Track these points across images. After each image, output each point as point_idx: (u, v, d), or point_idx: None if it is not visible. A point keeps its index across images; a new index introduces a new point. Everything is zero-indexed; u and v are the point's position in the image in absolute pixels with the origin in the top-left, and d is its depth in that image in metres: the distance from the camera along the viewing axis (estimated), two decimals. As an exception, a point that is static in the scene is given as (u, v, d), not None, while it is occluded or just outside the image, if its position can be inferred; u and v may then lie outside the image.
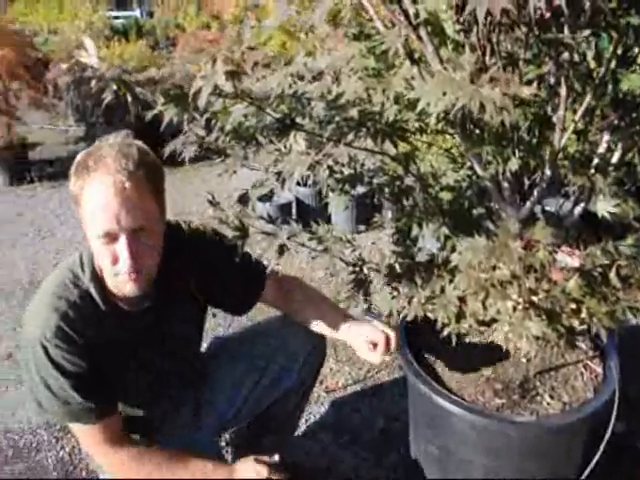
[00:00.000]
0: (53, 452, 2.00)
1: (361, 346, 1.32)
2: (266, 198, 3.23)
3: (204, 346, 1.68)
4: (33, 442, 2.06)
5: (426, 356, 1.51)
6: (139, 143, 1.16)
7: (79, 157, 1.13)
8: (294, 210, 3.37)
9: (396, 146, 0.99)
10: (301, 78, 1.16)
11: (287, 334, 1.49)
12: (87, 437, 1.26)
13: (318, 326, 1.41)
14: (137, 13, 14.30)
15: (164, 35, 9.28)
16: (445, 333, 1.28)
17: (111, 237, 1.08)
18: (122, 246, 1.08)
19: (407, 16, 0.99)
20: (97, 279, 1.20)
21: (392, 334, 1.32)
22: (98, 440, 1.24)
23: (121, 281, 1.14)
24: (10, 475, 1.93)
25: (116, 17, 12.30)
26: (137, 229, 1.09)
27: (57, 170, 5.42)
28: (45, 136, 6.27)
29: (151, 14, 13.48)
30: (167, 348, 1.35)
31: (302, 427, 1.95)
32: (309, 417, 2.02)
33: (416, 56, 1.11)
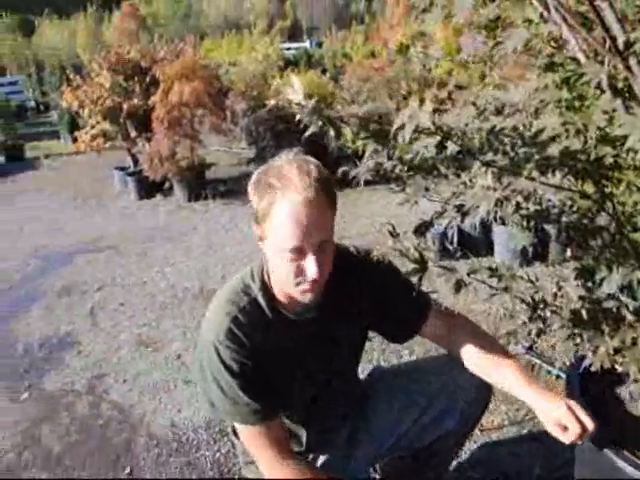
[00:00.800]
0: (210, 452, 2.14)
1: (549, 424, 1.16)
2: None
3: (364, 374, 1.68)
4: (194, 439, 2.22)
5: (600, 408, 1.36)
6: (313, 159, 1.20)
7: (259, 176, 1.17)
8: (455, 239, 3.29)
9: (597, 185, 0.91)
10: (484, 111, 1.13)
11: (450, 374, 1.44)
12: (252, 439, 1.31)
13: (487, 374, 1.32)
14: (307, 44, 15.21)
15: (332, 64, 9.70)
16: (634, 389, 1.15)
17: (299, 251, 1.13)
18: (310, 259, 1.14)
19: (615, 45, 0.92)
20: (265, 288, 1.27)
21: (590, 425, 1.12)
22: (262, 444, 1.28)
23: (301, 290, 1.19)
24: (174, 466, 2.09)
25: (288, 48, 13.19)
26: (321, 242, 1.15)
27: (229, 188, 5.91)
28: (219, 157, 6.87)
29: (320, 45, 14.24)
30: (331, 364, 1.38)
31: (453, 462, 1.87)
32: (460, 453, 1.93)
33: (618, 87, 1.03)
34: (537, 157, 0.87)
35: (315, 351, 1.34)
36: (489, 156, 0.91)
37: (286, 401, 1.36)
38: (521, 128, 0.93)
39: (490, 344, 1.34)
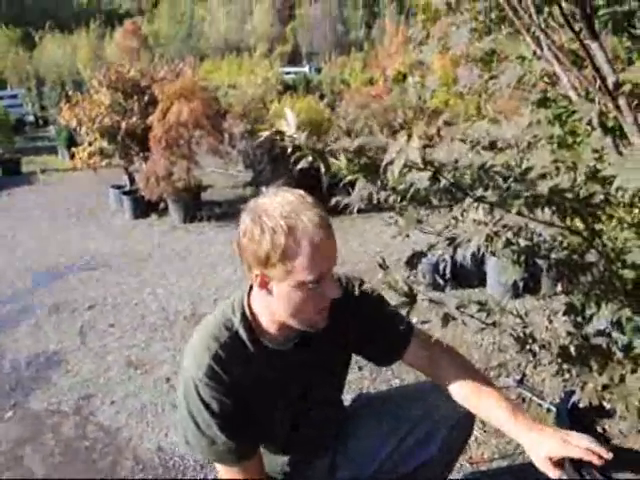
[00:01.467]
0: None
1: (538, 458, 1.12)
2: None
3: (349, 400, 1.67)
4: (180, 465, 2.18)
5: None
6: (295, 190, 1.19)
7: (253, 224, 1.12)
8: (448, 269, 3.28)
9: (586, 223, 0.92)
10: (477, 144, 1.15)
11: (435, 402, 1.43)
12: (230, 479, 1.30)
13: (472, 405, 1.31)
14: (306, 69, 15.40)
15: (330, 90, 9.80)
16: (623, 427, 1.14)
17: (321, 278, 1.14)
18: (329, 285, 1.16)
19: (606, 85, 0.94)
20: (246, 321, 1.26)
21: (605, 454, 1.05)
22: None
23: (314, 319, 1.21)
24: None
25: (287, 73, 13.33)
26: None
27: (224, 211, 5.91)
28: (215, 179, 6.89)
29: (319, 70, 14.40)
30: (313, 391, 1.37)
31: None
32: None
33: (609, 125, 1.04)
34: (526, 194, 0.88)
35: (297, 379, 1.33)
36: (480, 191, 0.92)
37: (267, 430, 1.35)
38: (512, 164, 0.94)
39: (475, 376, 1.33)
